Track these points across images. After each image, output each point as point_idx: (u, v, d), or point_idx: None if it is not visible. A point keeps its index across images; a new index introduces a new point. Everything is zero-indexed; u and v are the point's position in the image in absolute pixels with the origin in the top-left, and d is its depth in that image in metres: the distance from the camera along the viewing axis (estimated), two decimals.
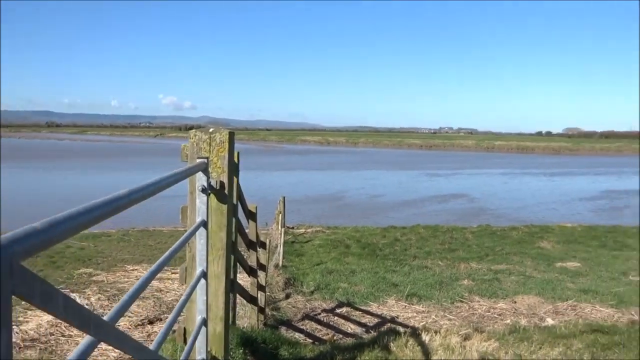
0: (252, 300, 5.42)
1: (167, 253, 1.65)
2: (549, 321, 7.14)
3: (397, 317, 7.31)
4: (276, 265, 9.95)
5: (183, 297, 2.00)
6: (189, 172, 2.21)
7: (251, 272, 5.56)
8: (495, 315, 7.67)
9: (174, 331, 3.09)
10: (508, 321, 7.19)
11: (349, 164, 54.44)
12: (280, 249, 10.55)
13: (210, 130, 2.75)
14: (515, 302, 8.26)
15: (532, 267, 11.00)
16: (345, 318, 7.13)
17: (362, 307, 7.70)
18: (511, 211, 23.41)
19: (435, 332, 4.44)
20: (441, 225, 16.92)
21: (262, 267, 6.46)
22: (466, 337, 4.38)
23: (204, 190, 2.42)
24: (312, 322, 6.86)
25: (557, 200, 27.96)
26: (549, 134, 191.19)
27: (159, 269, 1.54)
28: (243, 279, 6.89)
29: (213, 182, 2.59)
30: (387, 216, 20.96)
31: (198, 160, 2.44)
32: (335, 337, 5.90)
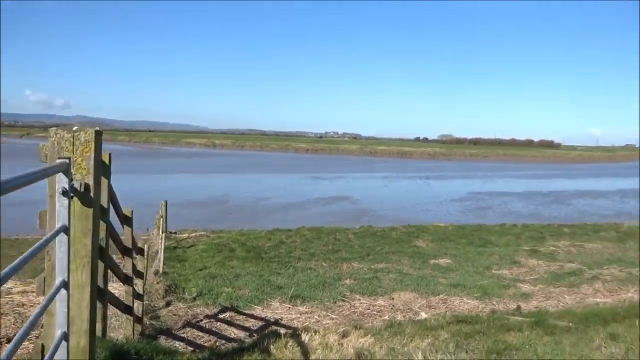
0: (128, 309, 5.13)
1: (13, 263, 1.49)
2: (423, 315, 7.63)
3: (280, 319, 7.35)
4: (156, 272, 9.53)
5: (37, 311, 1.82)
6: (47, 173, 2.03)
7: (126, 280, 5.26)
8: (375, 312, 8.02)
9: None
10: (386, 317, 7.55)
11: (235, 167, 53.88)
12: (161, 255, 10.13)
13: (74, 128, 2.56)
14: (393, 298, 8.70)
15: (409, 265, 11.66)
16: (229, 323, 7.03)
17: (246, 311, 7.64)
18: (391, 212, 24.67)
19: (315, 331, 4.53)
20: (325, 227, 17.33)
21: (140, 275, 6.16)
22: (344, 335, 4.52)
23: (65, 193, 2.24)
24: (194, 330, 6.67)
25: (432, 201, 30.00)
26: (425, 139, 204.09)
27: (2, 282, 1.38)
28: (117, 287, 6.50)
29: (77, 185, 2.41)
30: (272, 219, 21.01)
31: (58, 161, 2.25)
32: (217, 343, 5.78)
